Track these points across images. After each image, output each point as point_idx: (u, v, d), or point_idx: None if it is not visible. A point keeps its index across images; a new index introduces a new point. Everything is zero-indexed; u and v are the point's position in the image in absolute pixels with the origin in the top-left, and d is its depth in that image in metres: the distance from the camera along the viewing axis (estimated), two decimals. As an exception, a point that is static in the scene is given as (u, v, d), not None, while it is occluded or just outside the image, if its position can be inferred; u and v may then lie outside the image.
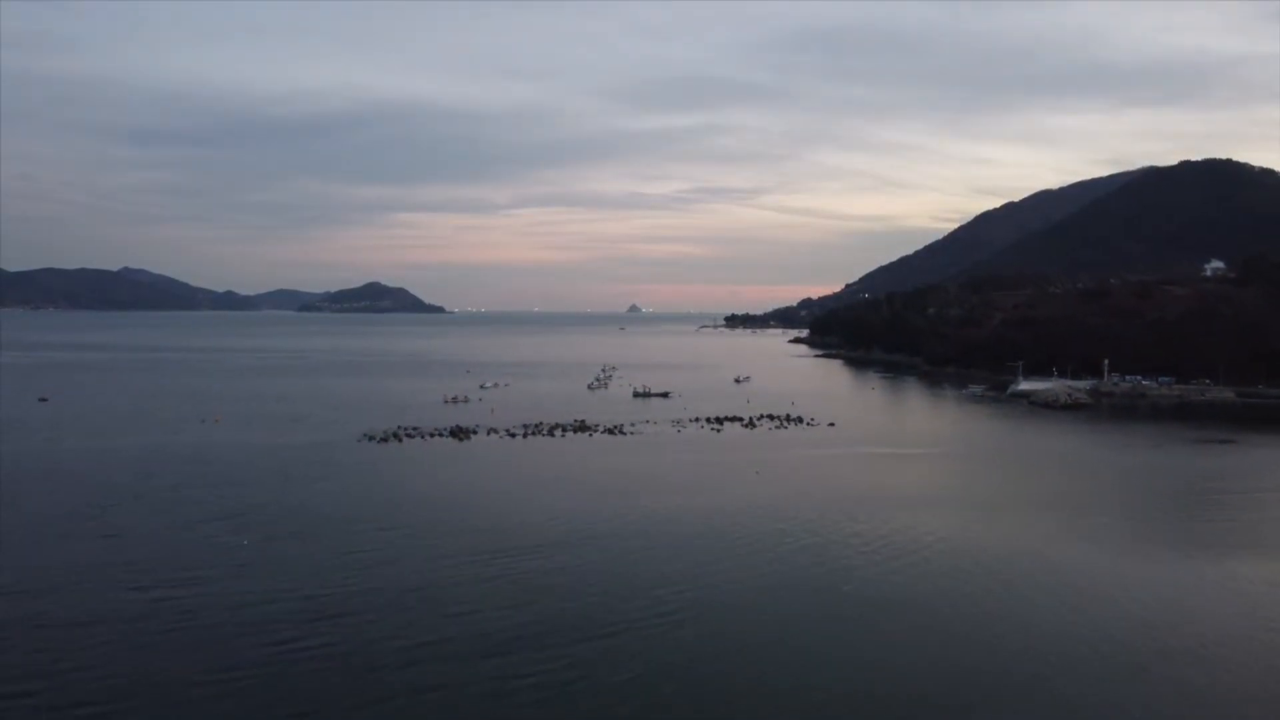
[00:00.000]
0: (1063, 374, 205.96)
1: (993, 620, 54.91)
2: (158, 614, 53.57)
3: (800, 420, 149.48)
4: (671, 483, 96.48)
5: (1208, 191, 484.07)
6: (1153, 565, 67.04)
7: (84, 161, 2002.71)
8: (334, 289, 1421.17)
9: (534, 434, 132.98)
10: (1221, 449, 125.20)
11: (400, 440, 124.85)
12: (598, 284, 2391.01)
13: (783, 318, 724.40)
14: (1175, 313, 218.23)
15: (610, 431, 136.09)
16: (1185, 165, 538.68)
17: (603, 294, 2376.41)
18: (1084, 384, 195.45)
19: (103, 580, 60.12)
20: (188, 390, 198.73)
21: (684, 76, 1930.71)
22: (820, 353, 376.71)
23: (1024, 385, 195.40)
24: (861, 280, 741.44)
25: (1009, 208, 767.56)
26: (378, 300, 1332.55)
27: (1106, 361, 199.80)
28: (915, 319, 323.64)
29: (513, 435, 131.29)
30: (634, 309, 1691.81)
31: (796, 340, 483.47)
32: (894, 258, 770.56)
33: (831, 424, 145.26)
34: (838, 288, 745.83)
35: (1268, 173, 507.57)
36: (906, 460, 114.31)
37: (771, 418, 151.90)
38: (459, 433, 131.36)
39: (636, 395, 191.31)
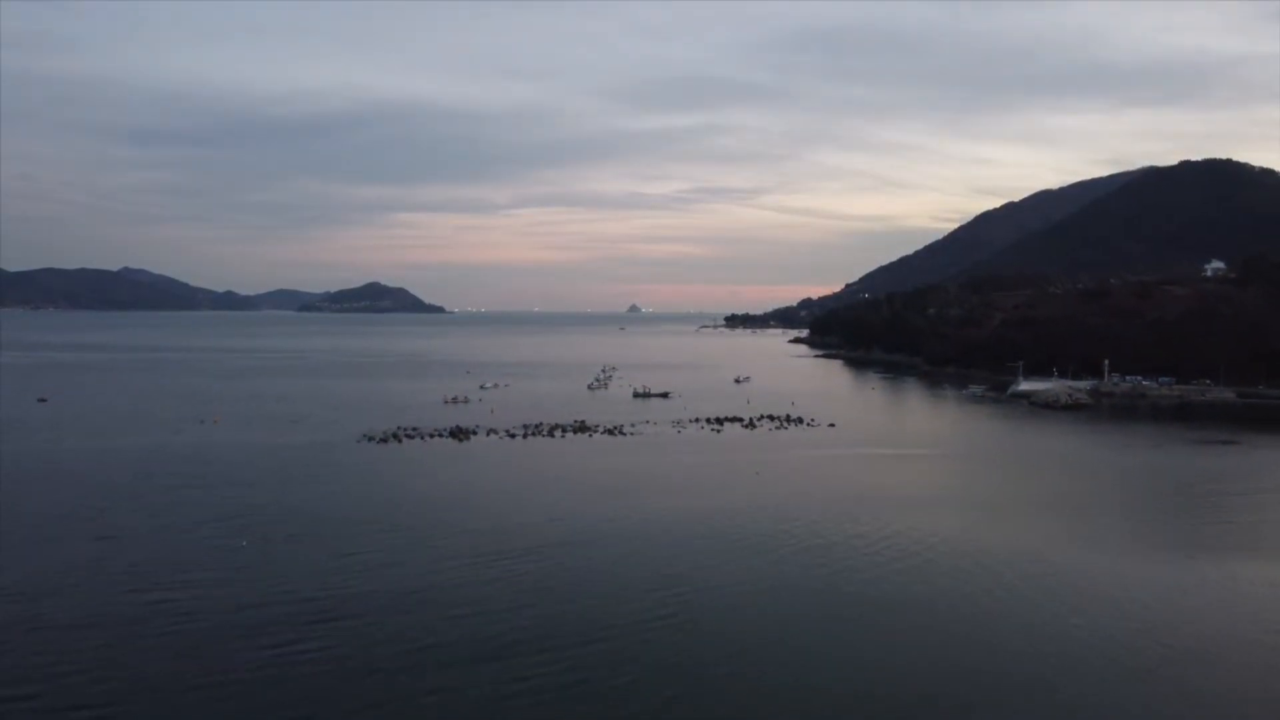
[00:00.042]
0: (1063, 374, 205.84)
1: (993, 620, 54.84)
2: (156, 616, 53.42)
3: (800, 421, 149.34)
4: (672, 484, 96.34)
5: (1208, 191, 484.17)
6: (1153, 566, 66.89)
7: (84, 161, 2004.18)
8: (334, 289, 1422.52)
9: (534, 435, 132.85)
10: (1222, 450, 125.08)
11: (400, 441, 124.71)
12: (598, 284, 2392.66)
13: (783, 318, 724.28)
14: (1175, 313, 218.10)
15: (610, 432, 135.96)
16: (1185, 165, 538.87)
17: (603, 294, 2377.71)
18: (1084, 384, 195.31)
19: (101, 582, 59.99)
20: (187, 390, 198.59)
21: (684, 76, 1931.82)
22: (820, 353, 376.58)
23: (1024, 385, 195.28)
24: (861, 280, 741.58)
25: (1009, 208, 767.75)
26: (378, 300, 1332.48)
27: (1107, 362, 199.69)
28: (915, 319, 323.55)
29: (513, 436, 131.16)
30: (634, 309, 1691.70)
31: (796, 340, 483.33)
32: (894, 258, 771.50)
33: (832, 424, 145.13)
34: (838, 288, 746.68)
35: (1268, 173, 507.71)
36: (907, 461, 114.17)
37: (771, 418, 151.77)
38: (459, 433, 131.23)
39: (636, 395, 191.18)
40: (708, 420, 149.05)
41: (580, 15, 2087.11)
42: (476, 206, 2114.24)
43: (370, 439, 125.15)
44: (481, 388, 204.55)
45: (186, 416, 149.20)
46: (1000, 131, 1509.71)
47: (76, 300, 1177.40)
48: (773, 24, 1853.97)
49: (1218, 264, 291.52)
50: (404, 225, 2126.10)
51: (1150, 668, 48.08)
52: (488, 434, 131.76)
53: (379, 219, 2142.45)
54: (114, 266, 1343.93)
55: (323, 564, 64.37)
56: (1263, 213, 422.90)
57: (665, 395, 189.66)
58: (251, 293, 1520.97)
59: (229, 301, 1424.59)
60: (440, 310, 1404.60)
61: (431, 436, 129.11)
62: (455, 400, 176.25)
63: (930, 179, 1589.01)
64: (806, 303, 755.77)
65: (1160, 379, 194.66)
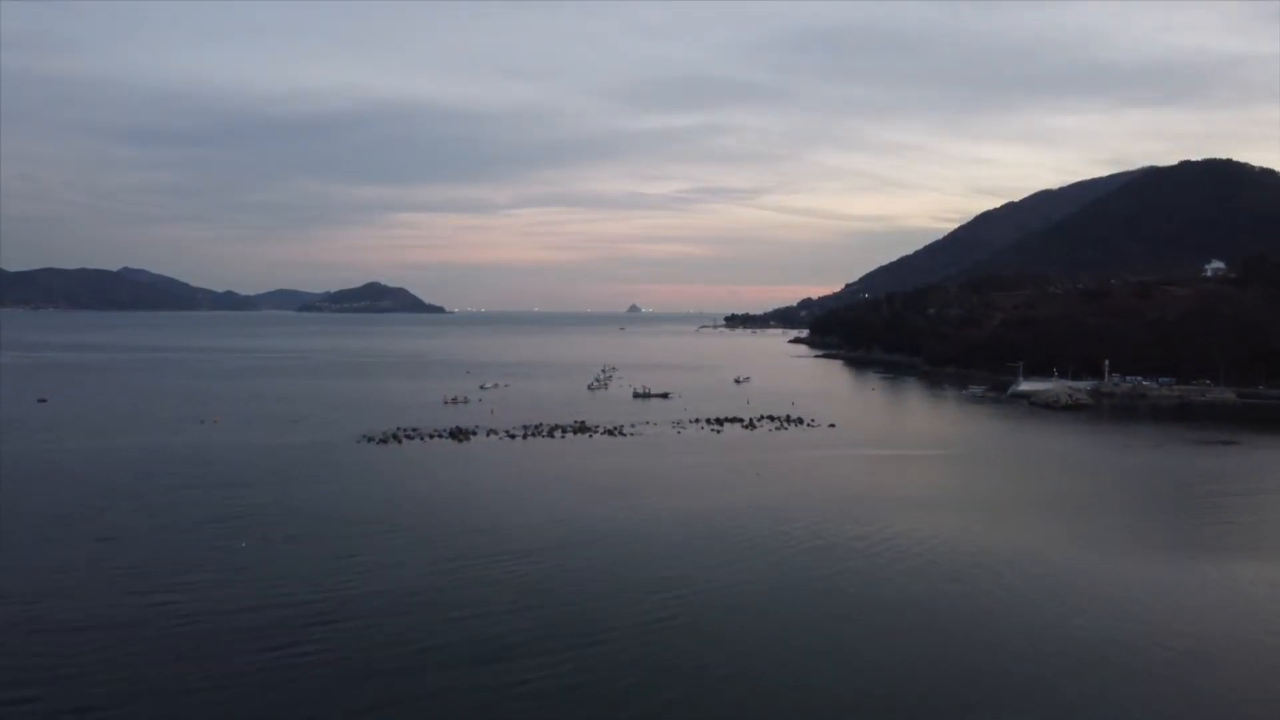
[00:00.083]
0: (1063, 374, 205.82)
1: (993, 621, 54.85)
2: (156, 618, 53.35)
3: (800, 421, 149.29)
4: (672, 484, 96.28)
5: (1208, 191, 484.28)
6: (1154, 566, 66.85)
7: (84, 161, 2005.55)
8: (334, 289, 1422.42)
9: (534, 435, 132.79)
10: (1223, 450, 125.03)
11: (400, 441, 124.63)
12: (598, 284, 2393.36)
13: (783, 318, 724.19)
14: (1175, 313, 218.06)
15: (610, 433, 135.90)
16: (1185, 165, 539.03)
17: (603, 294, 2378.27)
18: (1084, 384, 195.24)
19: (101, 583, 59.93)
20: (187, 391, 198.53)
21: (684, 76, 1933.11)
22: (820, 353, 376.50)
23: (1024, 386, 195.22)
24: (861, 280, 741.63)
25: (1009, 208, 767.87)
26: (378, 300, 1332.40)
27: (1107, 362, 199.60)
28: (915, 319, 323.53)
29: (512, 436, 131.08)
30: (634, 309, 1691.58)
31: (796, 340, 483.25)
32: (894, 258, 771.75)
33: (832, 425, 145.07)
34: (838, 288, 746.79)
35: (1268, 173, 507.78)
36: (907, 461, 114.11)
37: (772, 419, 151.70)
38: (458, 434, 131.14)
39: (636, 396, 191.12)
40: (708, 421, 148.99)
41: (580, 15, 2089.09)
42: (476, 206, 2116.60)
43: (370, 439, 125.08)
44: (481, 388, 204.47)
45: (186, 417, 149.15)
46: (1000, 131, 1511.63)
47: (76, 300, 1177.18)
48: (773, 24, 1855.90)
49: (1218, 264, 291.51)
50: (404, 225, 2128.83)
51: (1151, 668, 48.05)
52: (487, 434, 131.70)
53: (379, 219, 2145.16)
54: (114, 266, 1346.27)
55: (322, 565, 64.30)
56: (1263, 213, 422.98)
57: (665, 396, 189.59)
58: (251, 293, 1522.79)
59: (229, 301, 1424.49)
60: (440, 310, 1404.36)
61: (431, 437, 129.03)
62: (455, 400, 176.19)
63: (930, 179, 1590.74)
64: (806, 303, 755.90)
65: (1160, 379, 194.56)
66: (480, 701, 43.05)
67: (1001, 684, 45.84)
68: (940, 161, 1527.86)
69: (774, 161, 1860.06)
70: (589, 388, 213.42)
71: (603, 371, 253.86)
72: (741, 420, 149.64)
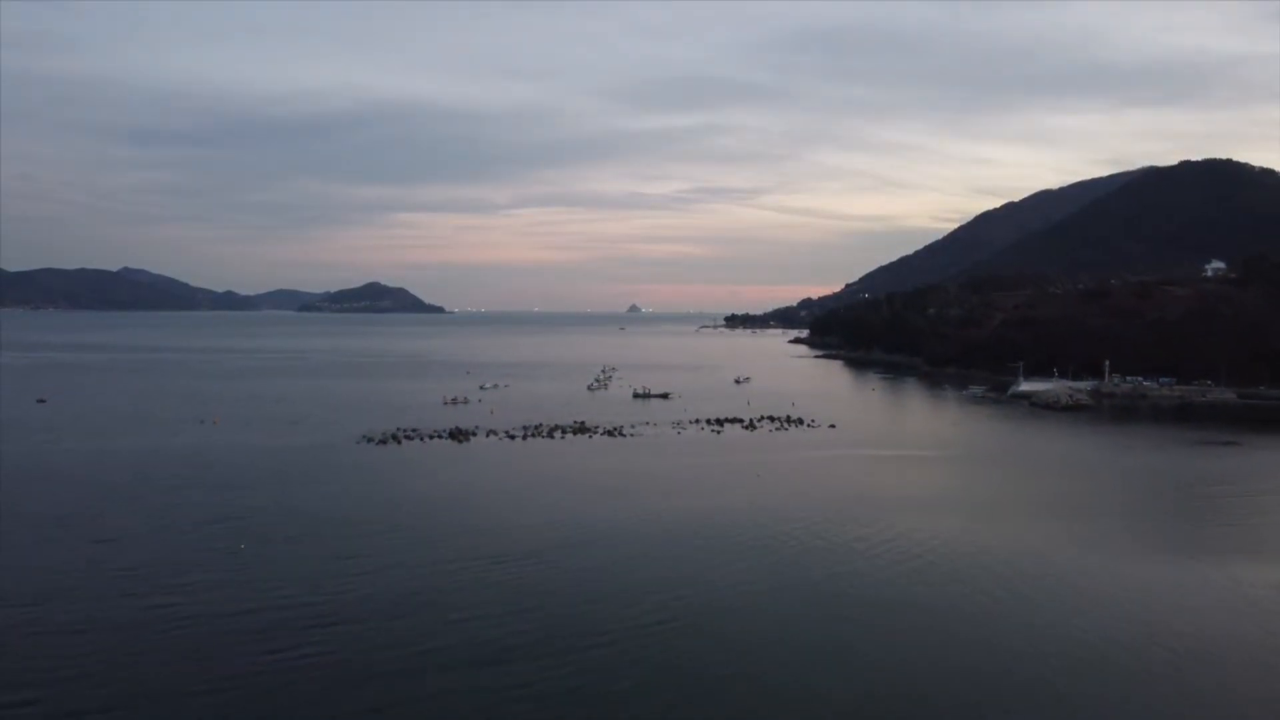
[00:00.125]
0: (1063, 375, 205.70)
1: (994, 621, 54.83)
2: (155, 620, 53.19)
3: (801, 422, 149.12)
4: (672, 485, 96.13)
5: (1208, 191, 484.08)
6: (1154, 567, 66.73)
7: (84, 161, 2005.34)
8: (334, 289, 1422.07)
9: (533, 436, 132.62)
10: (1224, 451, 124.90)
11: (399, 442, 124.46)
12: (598, 284, 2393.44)
13: (783, 318, 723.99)
14: (1176, 313, 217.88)
15: (610, 433, 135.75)
16: (1185, 165, 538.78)
17: (603, 294, 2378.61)
18: (1085, 385, 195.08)
19: (99, 585, 59.76)
20: (186, 391, 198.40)
21: (684, 76, 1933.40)
22: (820, 353, 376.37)
23: (1025, 386, 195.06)
24: (861, 280, 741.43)
25: (1009, 208, 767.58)
26: (378, 300, 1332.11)
27: (1108, 362, 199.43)
28: (915, 319, 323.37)
29: (512, 437, 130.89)
30: (634, 309, 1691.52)
31: (796, 340, 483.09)
32: (894, 258, 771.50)
33: (832, 425, 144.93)
34: (838, 288, 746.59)
35: (1268, 173, 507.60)
36: (907, 462, 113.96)
37: (772, 419, 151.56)
38: (458, 434, 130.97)
39: (636, 396, 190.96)
40: (708, 421, 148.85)
41: (580, 15, 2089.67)
42: (476, 206, 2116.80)
43: (369, 440, 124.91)
44: (481, 388, 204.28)
45: (186, 417, 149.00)
46: (1000, 131, 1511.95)
47: (76, 300, 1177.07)
48: (773, 24, 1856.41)
49: (1218, 264, 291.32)
50: (404, 225, 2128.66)
51: (1151, 668, 47.98)
52: (487, 435, 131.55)
53: (379, 219, 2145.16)
54: (114, 266, 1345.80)
55: (322, 567, 64.16)
56: (1263, 213, 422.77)
57: (665, 396, 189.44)
58: (251, 293, 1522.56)
59: (229, 301, 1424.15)
60: (440, 310, 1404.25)
61: (431, 438, 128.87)
62: (455, 401, 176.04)
63: (930, 179, 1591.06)
64: (806, 303, 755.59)
65: (1161, 379, 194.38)
66: (480, 704, 42.91)
67: (1002, 684, 45.85)
68: (940, 161, 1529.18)
69: (774, 161, 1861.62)
70: (589, 388, 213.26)
71: (602, 372, 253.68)
72: (742, 421, 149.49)
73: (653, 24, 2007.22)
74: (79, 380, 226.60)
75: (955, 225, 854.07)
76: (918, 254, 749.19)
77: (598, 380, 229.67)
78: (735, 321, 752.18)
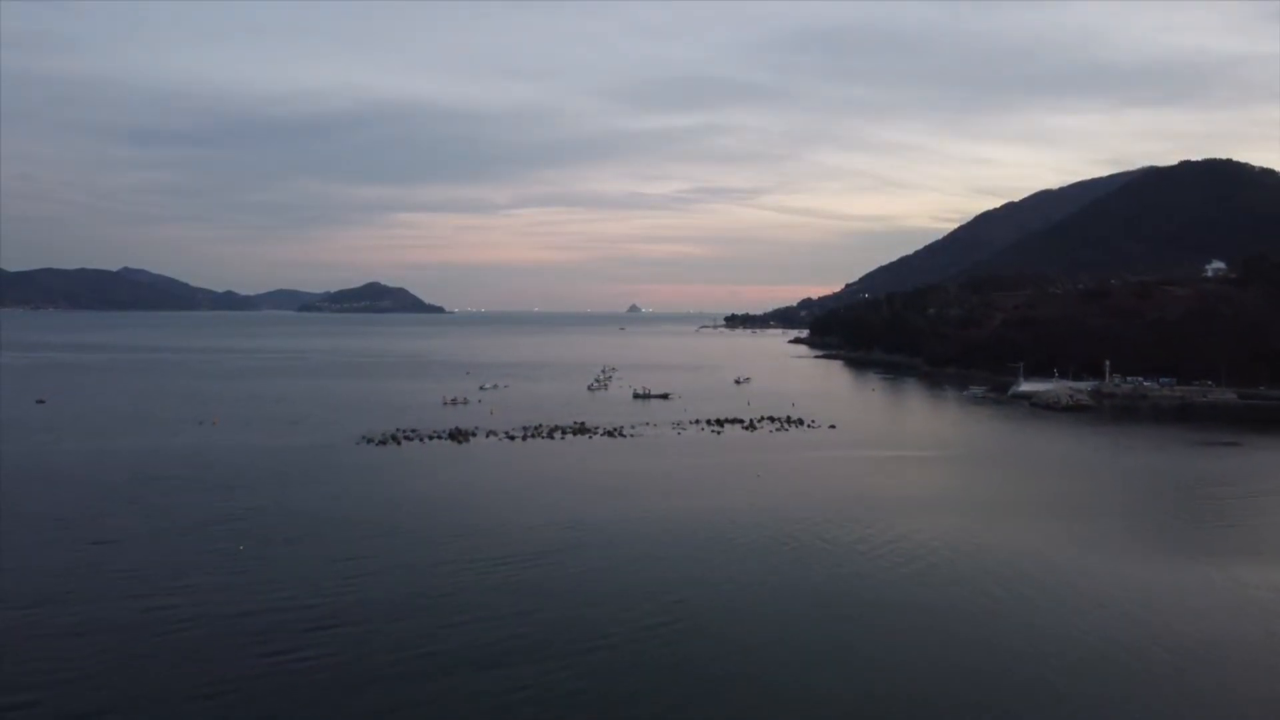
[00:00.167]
0: (1064, 375, 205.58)
1: (995, 621, 54.79)
2: (153, 623, 53.03)
3: (801, 422, 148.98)
4: (672, 486, 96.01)
5: (1208, 191, 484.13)
6: (1155, 568, 66.62)
7: (84, 161, 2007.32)
8: (334, 289, 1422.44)
9: (533, 436, 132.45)
10: (1224, 451, 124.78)
11: (399, 443, 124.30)
12: (598, 284, 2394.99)
13: (783, 318, 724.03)
14: (1176, 313, 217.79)
15: (610, 434, 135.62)
16: (1185, 165, 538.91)
17: (603, 294, 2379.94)
18: (1085, 385, 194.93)
19: (99, 587, 59.62)
20: (186, 391, 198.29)
21: (684, 76, 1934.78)
22: (820, 353, 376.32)
23: (1025, 387, 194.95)
24: (861, 280, 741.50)
25: (1009, 208, 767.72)
26: (378, 300, 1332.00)
27: (1108, 363, 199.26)
28: (915, 319, 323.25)
29: (512, 438, 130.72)
30: (634, 309, 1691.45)
31: (796, 340, 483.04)
32: (894, 258, 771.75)
33: (832, 426, 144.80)
34: (838, 288, 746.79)
35: (1268, 173, 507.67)
36: (908, 463, 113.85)
37: (772, 419, 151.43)
38: (458, 435, 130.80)
39: (636, 397, 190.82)
40: (708, 422, 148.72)
41: (580, 15, 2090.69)
42: (476, 206, 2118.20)
43: (369, 441, 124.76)
44: (481, 389, 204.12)
45: (186, 418, 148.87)
46: (1000, 131, 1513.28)
47: (76, 300, 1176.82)
48: (773, 24, 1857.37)
49: (1218, 264, 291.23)
50: (404, 225, 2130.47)
51: (1152, 669, 47.90)
52: (487, 436, 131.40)
53: (379, 219, 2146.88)
54: (114, 266, 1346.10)
55: (321, 568, 64.03)
56: (1263, 213, 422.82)
57: (665, 396, 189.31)
58: (251, 293, 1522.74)
59: (229, 301, 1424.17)
60: (440, 310, 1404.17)
61: (431, 438, 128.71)
62: (455, 401, 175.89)
63: (930, 179, 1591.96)
64: (806, 303, 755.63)
65: (1161, 380, 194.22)
66: (482, 706, 42.79)
67: (1002, 684, 45.83)
68: (940, 161, 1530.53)
69: (774, 161, 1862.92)
70: (589, 388, 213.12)
71: (602, 372, 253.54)
72: (742, 421, 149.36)
73: (653, 24, 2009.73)
74: (79, 380, 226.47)
75: (955, 225, 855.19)
76: (918, 254, 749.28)
77: (598, 380, 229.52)
78: (735, 321, 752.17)
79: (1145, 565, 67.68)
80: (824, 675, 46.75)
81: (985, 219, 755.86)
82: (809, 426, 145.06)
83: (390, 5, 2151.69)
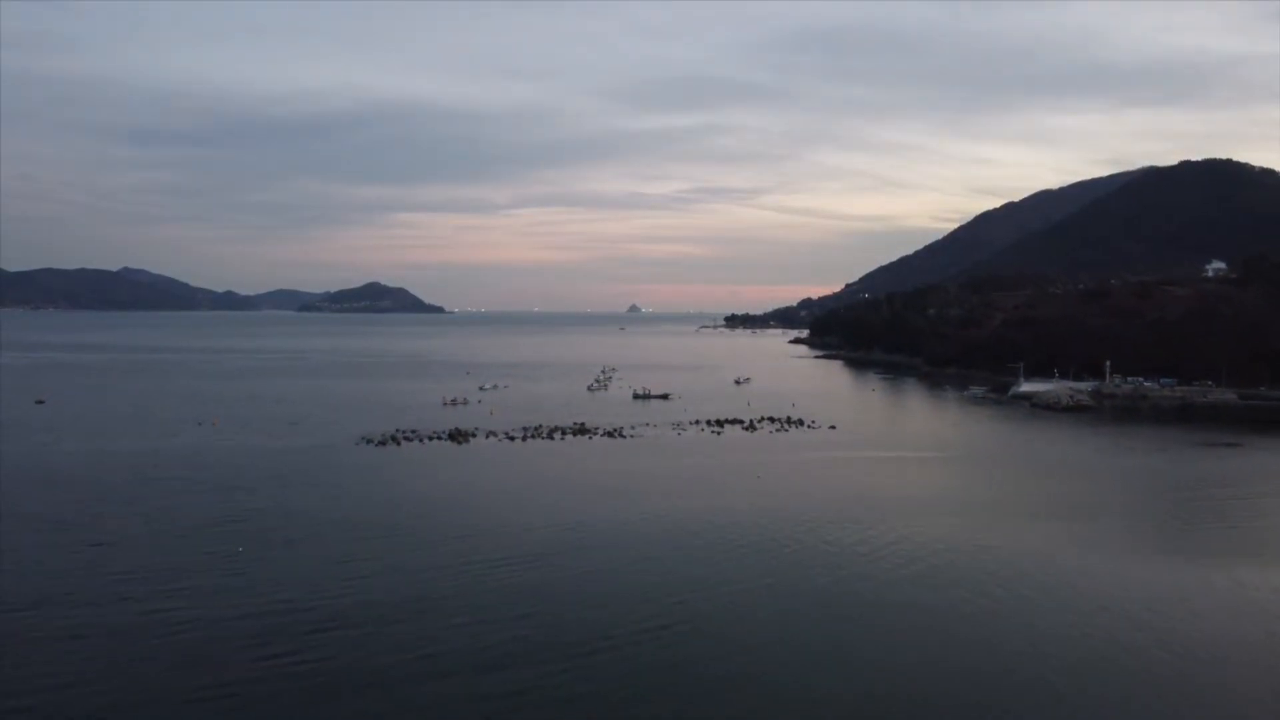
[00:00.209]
0: (1064, 375, 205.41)
1: (995, 621, 54.76)
2: (152, 625, 52.87)
3: (801, 423, 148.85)
4: (672, 487, 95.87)
5: (1208, 191, 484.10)
6: (1156, 569, 66.55)
7: (84, 161, 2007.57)
8: (334, 289, 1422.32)
9: (533, 437, 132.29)
10: (1225, 452, 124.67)
11: (399, 443, 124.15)
12: (598, 284, 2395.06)
13: (783, 318, 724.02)
14: (1176, 313, 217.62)
15: (610, 434, 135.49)
16: (1185, 165, 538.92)
17: (603, 294, 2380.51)
18: (1085, 386, 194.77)
19: (97, 589, 59.47)
20: (186, 392, 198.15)
21: (684, 76, 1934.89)
22: (820, 353, 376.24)
23: (1025, 387, 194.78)
24: (861, 280, 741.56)
25: (1009, 208, 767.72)
26: (378, 300, 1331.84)
27: (1109, 363, 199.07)
28: (915, 319, 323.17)
29: (512, 438, 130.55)
30: (634, 309, 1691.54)
31: (797, 341, 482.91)
32: (894, 258, 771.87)
33: (832, 426, 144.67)
34: (838, 288, 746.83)
35: (1268, 173, 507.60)
36: (908, 464, 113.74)
37: (772, 420, 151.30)
38: (458, 435, 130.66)
39: (636, 397, 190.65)
40: (708, 422, 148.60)
41: (580, 15, 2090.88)
42: (476, 206, 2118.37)
43: (369, 441, 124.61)
44: (481, 389, 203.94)
45: (185, 418, 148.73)
46: (1000, 131, 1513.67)
47: (76, 300, 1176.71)
48: (773, 24, 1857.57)
49: (1218, 264, 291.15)
50: (404, 225, 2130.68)
51: (1154, 670, 47.84)
52: (487, 436, 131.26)
53: (379, 219, 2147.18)
54: (114, 266, 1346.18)
55: (321, 570, 63.89)
56: (1263, 213, 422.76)
57: (665, 397, 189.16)
58: (251, 293, 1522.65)
59: (229, 301, 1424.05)
60: (440, 310, 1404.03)
61: (430, 439, 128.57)
62: (454, 402, 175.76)
63: (930, 179, 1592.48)
64: (806, 303, 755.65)
65: (1162, 380, 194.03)
66: (482, 709, 42.65)
67: (1002, 684, 45.83)
68: (940, 161, 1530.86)
69: (774, 161, 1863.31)
70: (589, 389, 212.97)
71: (602, 372, 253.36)
72: (742, 422, 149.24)
73: (653, 24, 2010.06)
74: (78, 381, 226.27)
75: (955, 225, 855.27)
76: (918, 254, 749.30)
77: (598, 381, 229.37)
78: (735, 321, 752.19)
79: (1146, 566, 67.60)
80: (825, 676, 46.68)
81: (985, 219, 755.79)
82: (809, 427, 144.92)
83: (390, 5, 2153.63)
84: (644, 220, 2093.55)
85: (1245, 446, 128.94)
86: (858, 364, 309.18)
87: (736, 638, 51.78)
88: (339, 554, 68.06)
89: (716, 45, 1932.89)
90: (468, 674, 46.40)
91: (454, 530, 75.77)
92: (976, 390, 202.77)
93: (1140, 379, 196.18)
